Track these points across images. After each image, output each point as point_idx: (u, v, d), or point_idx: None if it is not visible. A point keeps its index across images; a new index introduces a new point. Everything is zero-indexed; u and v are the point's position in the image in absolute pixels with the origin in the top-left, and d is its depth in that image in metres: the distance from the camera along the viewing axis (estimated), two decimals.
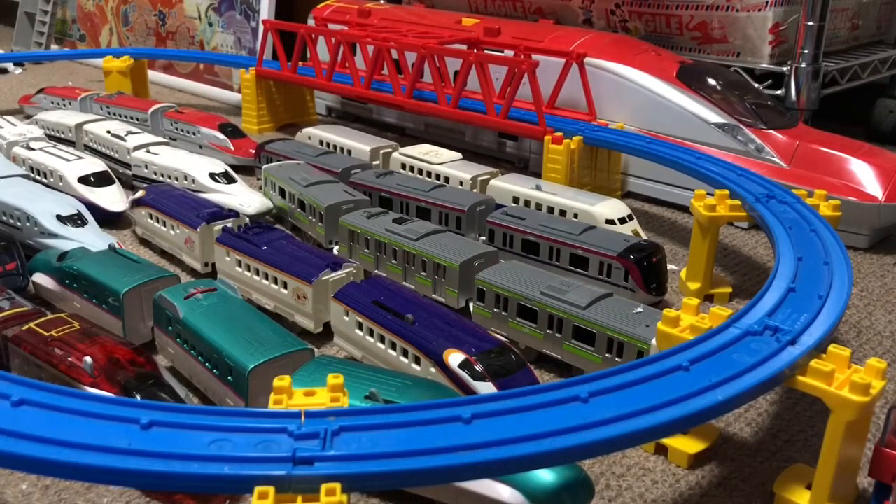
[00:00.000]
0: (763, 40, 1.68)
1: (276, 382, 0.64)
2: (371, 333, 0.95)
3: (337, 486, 0.53)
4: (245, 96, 2.01)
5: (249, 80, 1.98)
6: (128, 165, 1.57)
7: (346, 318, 0.98)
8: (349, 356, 0.99)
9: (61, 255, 1.11)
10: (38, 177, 1.47)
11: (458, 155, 1.51)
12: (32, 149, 1.53)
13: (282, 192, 1.39)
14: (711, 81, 1.55)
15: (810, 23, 1.60)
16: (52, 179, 1.45)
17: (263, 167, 1.47)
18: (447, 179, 1.43)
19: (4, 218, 1.25)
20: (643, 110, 1.57)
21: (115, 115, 1.89)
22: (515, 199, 1.34)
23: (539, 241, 1.17)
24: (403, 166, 1.52)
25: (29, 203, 1.23)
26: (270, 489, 0.53)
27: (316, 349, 0.95)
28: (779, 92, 1.68)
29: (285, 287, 1.05)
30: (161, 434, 0.57)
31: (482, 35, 1.78)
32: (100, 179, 1.42)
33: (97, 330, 0.90)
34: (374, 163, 1.58)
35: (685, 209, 1.53)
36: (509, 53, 1.68)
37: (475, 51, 1.69)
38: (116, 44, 2.75)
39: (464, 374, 0.84)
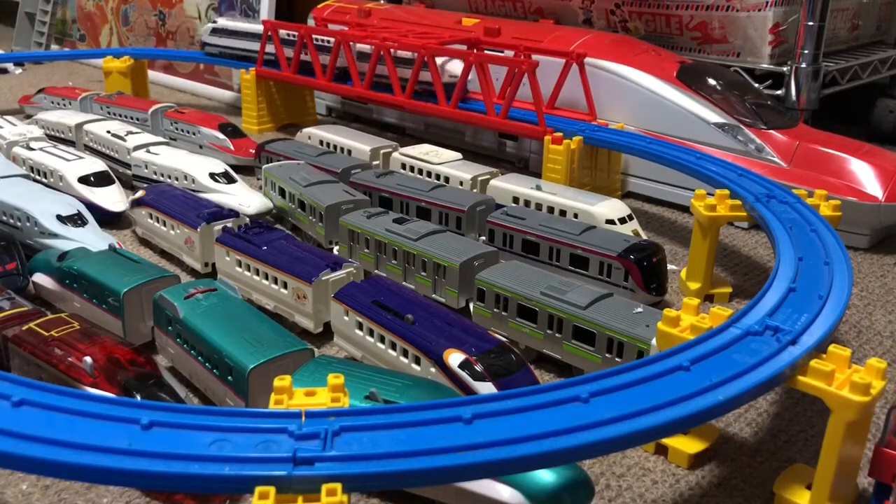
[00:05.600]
0: (763, 40, 1.68)
1: (277, 382, 0.64)
2: (371, 333, 0.95)
3: (338, 486, 0.53)
4: (245, 96, 2.01)
5: (249, 81, 1.98)
6: (128, 165, 1.57)
7: (346, 318, 0.98)
8: (349, 356, 0.99)
9: (61, 255, 1.11)
10: (38, 177, 1.47)
11: (458, 155, 1.51)
12: (32, 149, 1.53)
13: (282, 192, 1.39)
14: (711, 81, 1.55)
15: (810, 23, 1.60)
16: (52, 179, 1.45)
17: (263, 167, 1.47)
18: (447, 179, 1.43)
19: (4, 218, 1.25)
20: (643, 110, 1.57)
21: (115, 115, 1.89)
22: (515, 199, 1.34)
23: (539, 241, 1.17)
24: (403, 166, 1.52)
25: (29, 203, 1.23)
26: (271, 489, 0.53)
27: (316, 349, 0.95)
28: (779, 92, 1.68)
29: (285, 287, 1.06)
30: (161, 434, 0.57)
31: (482, 35, 1.79)
32: (100, 179, 1.42)
33: (97, 330, 0.90)
34: (374, 163, 1.58)
35: (685, 209, 1.53)
36: (509, 53, 1.68)
37: (475, 51, 1.69)
38: (116, 44, 2.75)
39: (464, 374, 0.84)
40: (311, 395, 0.64)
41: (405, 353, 0.90)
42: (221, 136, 1.73)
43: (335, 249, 1.25)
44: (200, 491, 0.70)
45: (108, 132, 1.65)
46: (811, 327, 0.75)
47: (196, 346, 0.91)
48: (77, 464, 0.54)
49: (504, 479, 0.70)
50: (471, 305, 1.07)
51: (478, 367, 0.84)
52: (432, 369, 0.87)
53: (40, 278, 1.12)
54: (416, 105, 1.70)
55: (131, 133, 1.63)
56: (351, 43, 1.77)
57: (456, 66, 1.63)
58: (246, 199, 1.38)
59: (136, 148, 1.56)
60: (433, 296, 1.11)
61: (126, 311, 1.00)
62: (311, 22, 2.16)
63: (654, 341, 0.86)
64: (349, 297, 0.98)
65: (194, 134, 1.78)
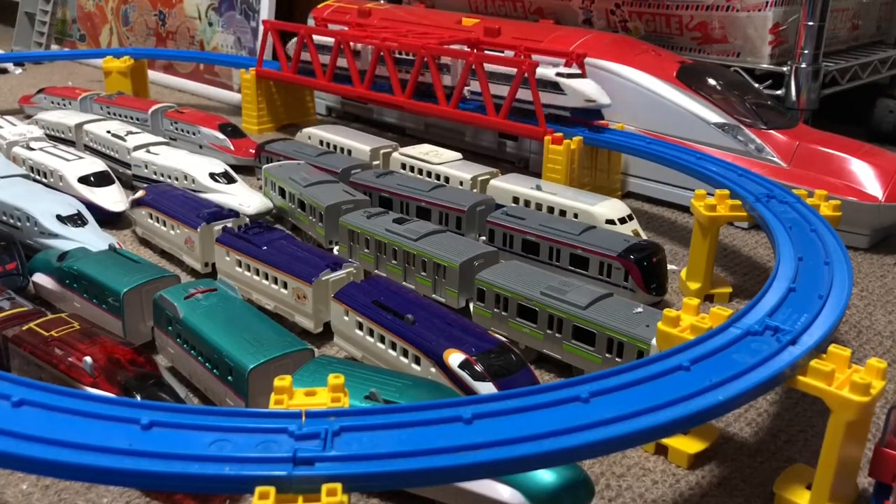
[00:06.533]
0: (763, 40, 1.68)
1: (277, 382, 0.64)
2: (371, 333, 0.95)
3: (338, 486, 0.53)
4: (245, 96, 2.01)
5: (249, 81, 1.98)
6: (128, 165, 1.57)
7: (346, 318, 0.98)
8: (349, 356, 0.99)
9: (61, 255, 1.11)
10: (38, 177, 1.47)
11: (458, 155, 1.51)
12: (32, 149, 1.53)
13: (282, 192, 1.39)
14: (711, 81, 1.55)
15: (810, 23, 1.60)
16: (52, 179, 1.44)
17: (263, 167, 1.47)
18: (447, 179, 1.43)
19: (4, 218, 1.25)
20: (643, 110, 1.57)
21: (115, 115, 1.89)
22: (515, 199, 1.34)
23: (539, 241, 1.17)
24: (403, 166, 1.52)
25: (29, 203, 1.23)
26: (271, 489, 0.53)
27: (316, 349, 0.95)
28: (779, 92, 1.68)
29: (285, 287, 1.05)
30: (161, 434, 0.57)
31: (482, 35, 1.78)
32: (100, 179, 1.42)
33: (97, 330, 0.90)
34: (374, 163, 1.58)
35: (685, 209, 1.53)
36: (509, 53, 1.68)
37: (475, 51, 1.68)
38: (116, 44, 2.75)
39: (464, 374, 0.84)
40: (311, 395, 0.64)
41: (405, 353, 0.90)
42: (221, 136, 1.73)
43: (335, 249, 1.25)
44: (200, 491, 0.71)
45: (108, 132, 1.65)
46: (811, 327, 0.75)
47: (196, 346, 0.91)
48: (77, 464, 0.54)
49: (504, 479, 0.70)
50: (471, 305, 1.07)
51: (478, 367, 0.84)
52: (432, 369, 0.87)
53: (40, 278, 1.12)
54: (416, 105, 1.69)
55: (131, 133, 1.63)
56: (353, 43, 1.77)
57: (590, 87, 1.48)
58: (246, 199, 1.38)
59: (136, 148, 1.56)
60: (433, 296, 1.11)
61: (126, 311, 1.00)
62: (311, 22, 2.16)
63: (654, 341, 0.86)
64: (349, 297, 0.98)
65: (194, 134, 1.78)
